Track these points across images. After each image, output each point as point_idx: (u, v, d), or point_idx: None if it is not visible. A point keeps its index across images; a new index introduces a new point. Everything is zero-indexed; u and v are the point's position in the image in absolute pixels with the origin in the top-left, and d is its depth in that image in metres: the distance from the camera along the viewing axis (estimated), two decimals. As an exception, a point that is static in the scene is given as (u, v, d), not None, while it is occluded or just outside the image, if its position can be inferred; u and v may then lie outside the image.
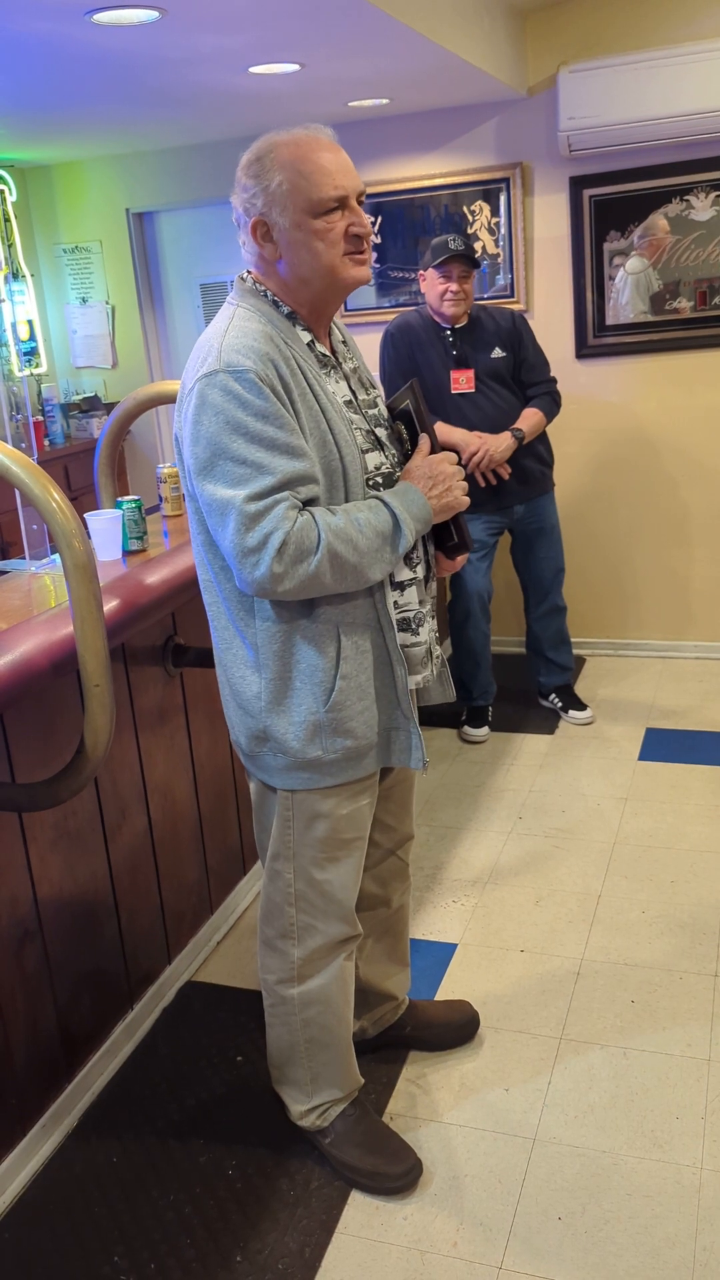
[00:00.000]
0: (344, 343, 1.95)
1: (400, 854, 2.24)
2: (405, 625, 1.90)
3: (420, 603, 1.92)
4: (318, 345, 1.83)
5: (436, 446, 1.89)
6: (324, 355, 1.84)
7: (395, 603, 1.88)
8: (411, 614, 1.91)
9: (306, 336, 1.82)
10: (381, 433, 1.89)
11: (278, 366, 1.71)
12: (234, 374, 1.67)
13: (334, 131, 1.78)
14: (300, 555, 1.67)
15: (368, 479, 1.82)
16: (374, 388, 1.96)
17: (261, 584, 1.68)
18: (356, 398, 1.88)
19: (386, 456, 1.88)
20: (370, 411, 1.90)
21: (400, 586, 1.89)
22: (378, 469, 1.84)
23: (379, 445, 1.87)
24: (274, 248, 1.76)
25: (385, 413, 1.95)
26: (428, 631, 1.95)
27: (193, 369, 1.74)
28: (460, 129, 4.40)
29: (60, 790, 1.93)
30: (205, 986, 2.68)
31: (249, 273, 1.84)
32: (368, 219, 1.80)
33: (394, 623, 1.86)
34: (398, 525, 1.78)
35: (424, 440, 1.88)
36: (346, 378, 1.88)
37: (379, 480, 1.84)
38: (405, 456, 1.92)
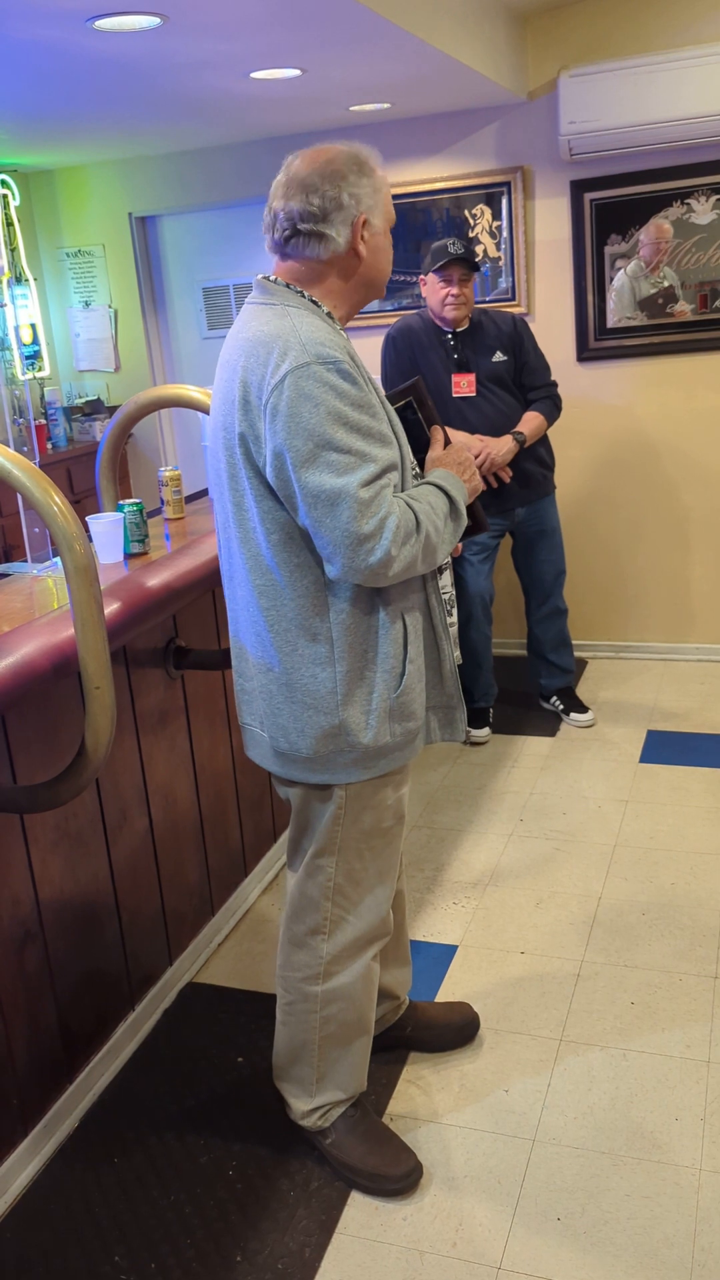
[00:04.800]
0: None
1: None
2: (445, 607, 1.99)
3: (452, 584, 2.03)
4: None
5: (448, 438, 1.99)
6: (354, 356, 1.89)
7: (440, 585, 1.97)
8: (448, 596, 2.01)
9: (345, 337, 1.86)
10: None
11: (353, 357, 1.77)
12: (327, 364, 1.69)
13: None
14: (407, 537, 1.74)
15: (412, 467, 1.91)
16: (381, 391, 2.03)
17: (375, 569, 1.72)
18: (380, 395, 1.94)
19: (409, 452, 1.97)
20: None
21: (439, 570, 1.98)
22: (413, 464, 1.93)
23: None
24: (364, 246, 1.82)
25: None
26: (454, 613, 2.06)
27: (266, 365, 1.71)
28: (461, 133, 4.41)
29: (61, 792, 1.94)
30: (206, 988, 2.69)
31: (272, 276, 1.84)
32: None
33: (441, 603, 1.95)
34: (454, 507, 1.86)
35: (438, 431, 1.98)
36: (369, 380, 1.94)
37: (417, 471, 1.94)
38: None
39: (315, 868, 2.00)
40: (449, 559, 1.99)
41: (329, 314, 1.83)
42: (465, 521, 1.91)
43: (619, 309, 4.33)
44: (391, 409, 1.87)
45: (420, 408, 1.97)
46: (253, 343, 1.75)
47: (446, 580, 2.00)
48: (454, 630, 2.03)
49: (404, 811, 2.04)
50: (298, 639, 1.84)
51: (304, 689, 1.85)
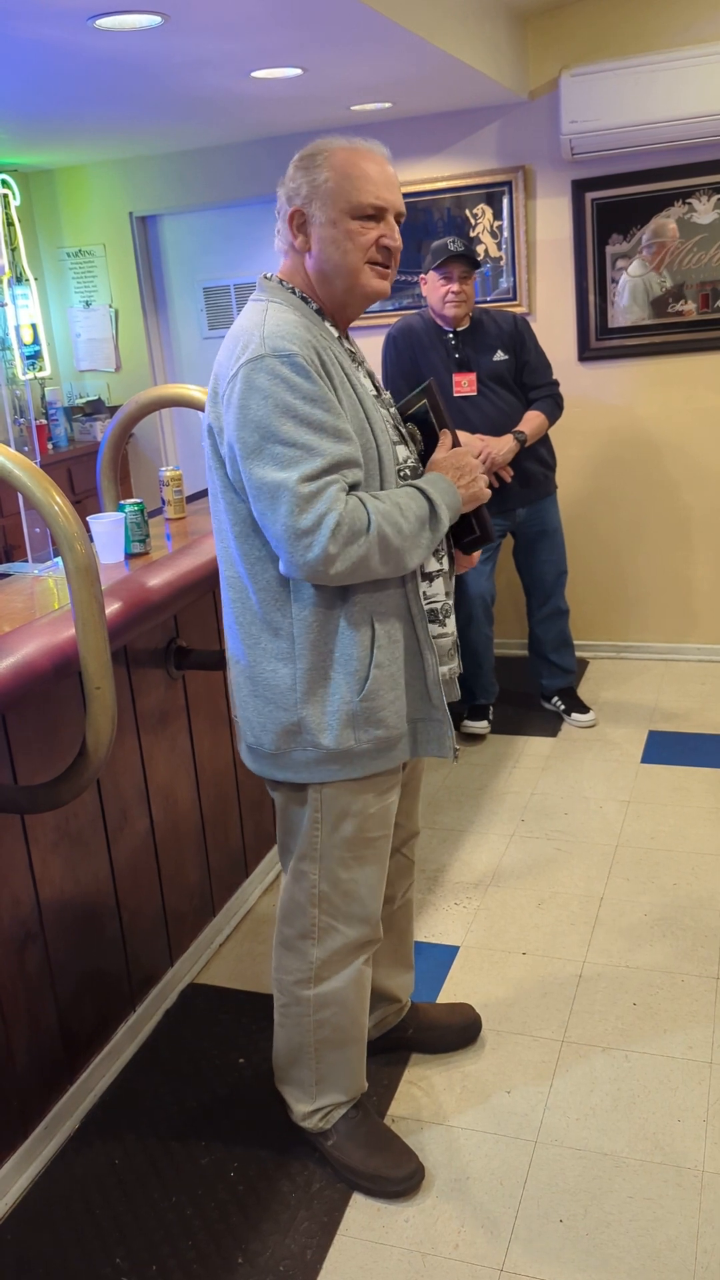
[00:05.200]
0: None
1: (406, 851, 2.24)
2: (433, 616, 1.93)
3: (446, 594, 1.96)
4: (344, 341, 1.88)
5: (457, 441, 1.95)
6: (350, 351, 1.88)
7: (424, 593, 1.91)
8: (439, 605, 1.94)
9: (334, 332, 1.86)
10: (403, 430, 1.94)
11: (320, 353, 1.75)
12: (281, 358, 1.69)
13: (389, 150, 1.86)
14: (353, 536, 1.69)
15: (398, 470, 1.87)
16: (384, 391, 2.00)
17: (314, 566, 1.69)
18: (380, 394, 1.93)
19: (411, 451, 1.93)
20: (391, 409, 1.95)
21: (429, 577, 1.92)
22: (404, 461, 1.89)
23: (403, 440, 1.92)
24: (305, 240, 1.81)
25: (398, 414, 1.99)
26: (452, 624, 1.99)
27: (230, 358, 1.75)
28: (462, 133, 4.41)
29: (62, 792, 1.94)
30: (207, 988, 2.68)
31: (271, 274, 1.88)
32: (400, 238, 1.86)
33: (425, 613, 1.89)
34: (434, 511, 1.81)
35: (446, 435, 1.94)
36: (370, 375, 1.93)
37: (407, 473, 1.89)
38: (421, 458, 1.96)
39: (299, 873, 1.99)
40: (445, 569, 1.94)
41: (318, 309, 1.84)
42: (444, 527, 1.84)
43: (630, 308, 4.32)
44: (372, 406, 1.83)
45: (434, 410, 1.95)
46: (228, 337, 1.81)
47: (437, 589, 1.93)
48: (445, 642, 1.95)
49: (391, 821, 2.00)
50: (261, 633, 1.85)
51: (265, 683, 1.86)
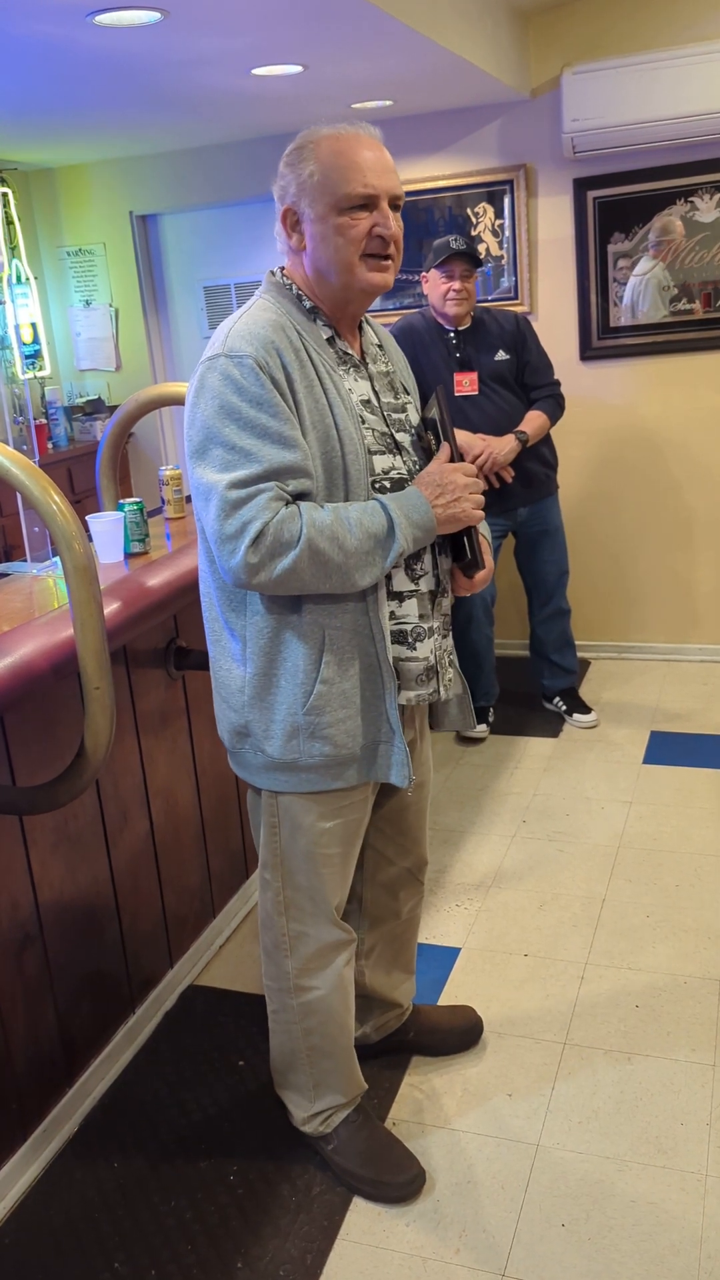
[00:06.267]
0: (379, 346, 1.94)
1: (414, 872, 2.23)
2: (401, 638, 1.84)
3: (421, 617, 1.85)
4: (339, 342, 1.82)
5: (457, 455, 1.83)
6: (345, 353, 1.83)
7: (393, 613, 1.83)
8: (409, 627, 1.84)
9: (327, 332, 1.81)
10: (403, 438, 1.85)
11: (282, 355, 1.70)
12: (234, 359, 1.67)
13: (380, 131, 1.77)
14: (278, 548, 1.64)
15: (374, 481, 1.78)
16: (407, 394, 1.93)
17: (236, 572, 1.67)
18: (379, 399, 1.84)
19: (403, 461, 1.83)
20: (395, 415, 1.86)
21: (399, 597, 1.83)
22: (386, 472, 1.79)
23: (395, 449, 1.83)
24: (300, 238, 1.77)
25: (414, 420, 1.91)
26: (430, 648, 1.87)
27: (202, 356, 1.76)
28: (464, 131, 4.39)
29: (61, 794, 1.93)
30: (207, 990, 2.67)
31: (280, 268, 1.86)
32: (398, 224, 1.76)
33: (386, 633, 1.80)
34: (392, 530, 1.71)
35: (444, 448, 1.83)
36: (372, 379, 1.86)
37: (386, 484, 1.79)
38: None
39: (265, 882, 1.98)
40: (423, 589, 1.84)
41: (313, 308, 1.81)
42: (403, 547, 1.72)
43: (654, 305, 4.29)
44: (346, 413, 1.74)
45: (439, 421, 1.87)
46: (214, 333, 1.80)
47: (409, 610, 1.83)
48: (414, 666, 1.85)
49: (351, 839, 1.95)
50: (221, 631, 1.86)
51: (222, 682, 1.88)
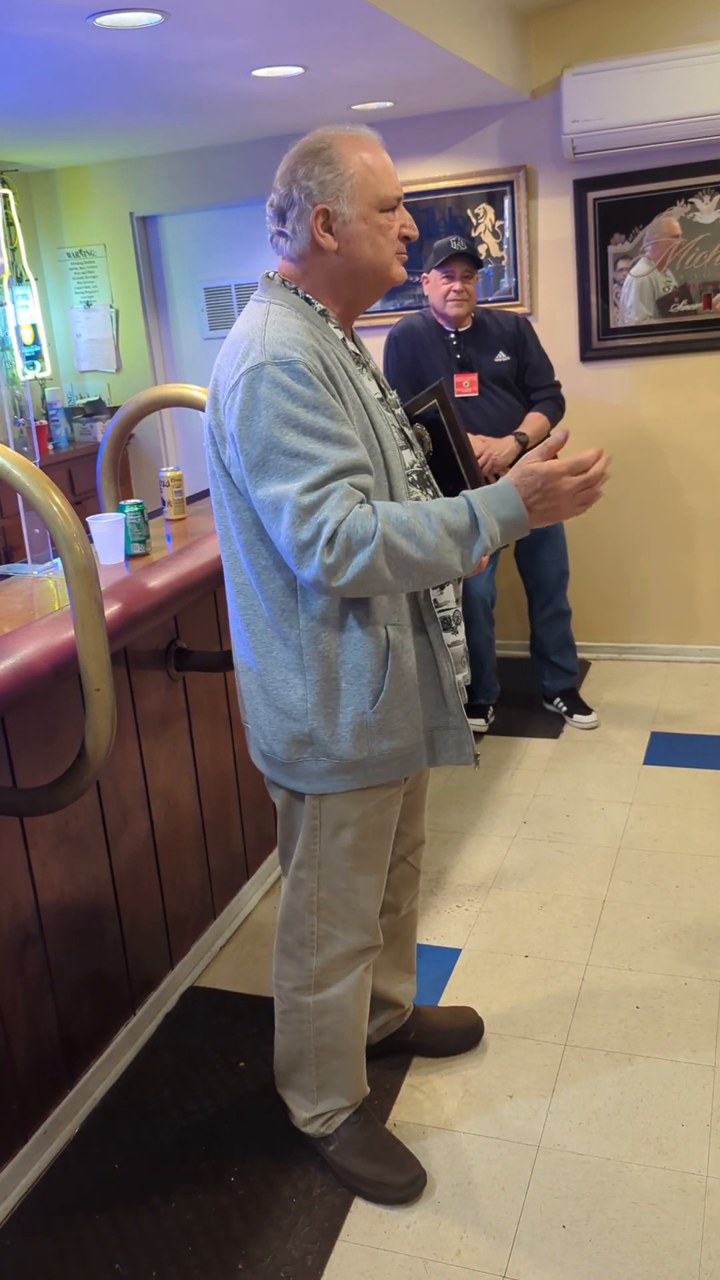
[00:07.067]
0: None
1: (411, 860, 2.22)
2: (446, 624, 1.89)
3: (457, 601, 1.92)
4: (349, 343, 1.83)
5: (468, 446, 1.88)
6: (355, 354, 1.83)
7: (435, 601, 1.86)
8: (451, 612, 1.90)
9: (339, 334, 1.80)
10: (409, 433, 1.90)
11: (323, 357, 1.69)
12: (282, 365, 1.63)
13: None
14: (353, 546, 1.59)
15: (406, 475, 1.81)
16: (391, 390, 1.95)
17: (317, 579, 1.62)
18: (386, 396, 1.88)
19: (417, 455, 1.88)
20: (396, 411, 1.89)
21: (440, 585, 1.86)
22: (411, 466, 1.84)
23: (409, 443, 1.88)
24: (332, 239, 1.74)
25: (404, 415, 1.94)
26: (464, 631, 1.95)
27: (231, 364, 1.70)
28: (464, 132, 4.40)
29: (61, 795, 1.93)
30: (208, 992, 2.67)
31: (274, 272, 1.83)
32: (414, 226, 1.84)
33: (439, 620, 1.85)
34: (476, 526, 1.69)
35: (481, 440, 1.87)
36: (375, 376, 1.88)
37: (414, 478, 1.84)
38: (429, 460, 1.92)
39: (297, 881, 1.97)
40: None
41: (323, 310, 1.79)
42: (487, 545, 1.69)
43: (637, 307, 4.30)
44: (376, 411, 1.77)
45: (447, 419, 1.89)
46: (229, 341, 1.75)
47: (448, 596, 1.89)
48: (458, 650, 1.91)
49: (391, 831, 1.97)
50: (273, 642, 1.80)
51: (277, 693, 1.82)
